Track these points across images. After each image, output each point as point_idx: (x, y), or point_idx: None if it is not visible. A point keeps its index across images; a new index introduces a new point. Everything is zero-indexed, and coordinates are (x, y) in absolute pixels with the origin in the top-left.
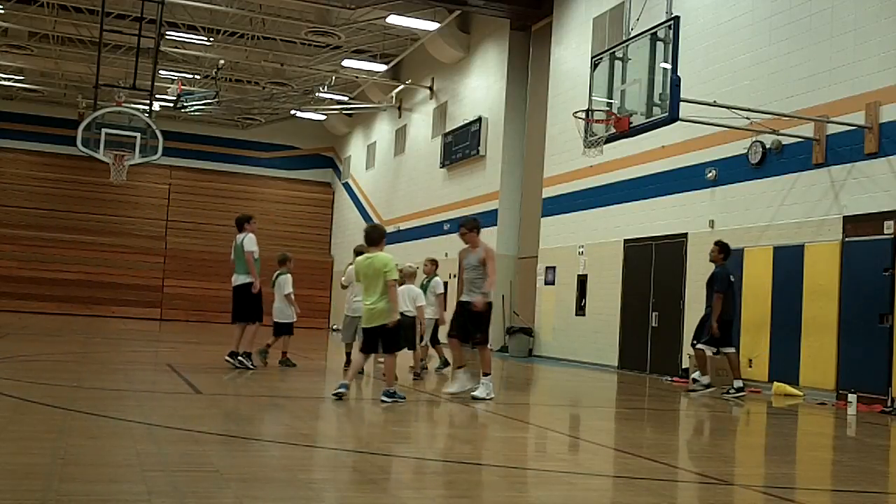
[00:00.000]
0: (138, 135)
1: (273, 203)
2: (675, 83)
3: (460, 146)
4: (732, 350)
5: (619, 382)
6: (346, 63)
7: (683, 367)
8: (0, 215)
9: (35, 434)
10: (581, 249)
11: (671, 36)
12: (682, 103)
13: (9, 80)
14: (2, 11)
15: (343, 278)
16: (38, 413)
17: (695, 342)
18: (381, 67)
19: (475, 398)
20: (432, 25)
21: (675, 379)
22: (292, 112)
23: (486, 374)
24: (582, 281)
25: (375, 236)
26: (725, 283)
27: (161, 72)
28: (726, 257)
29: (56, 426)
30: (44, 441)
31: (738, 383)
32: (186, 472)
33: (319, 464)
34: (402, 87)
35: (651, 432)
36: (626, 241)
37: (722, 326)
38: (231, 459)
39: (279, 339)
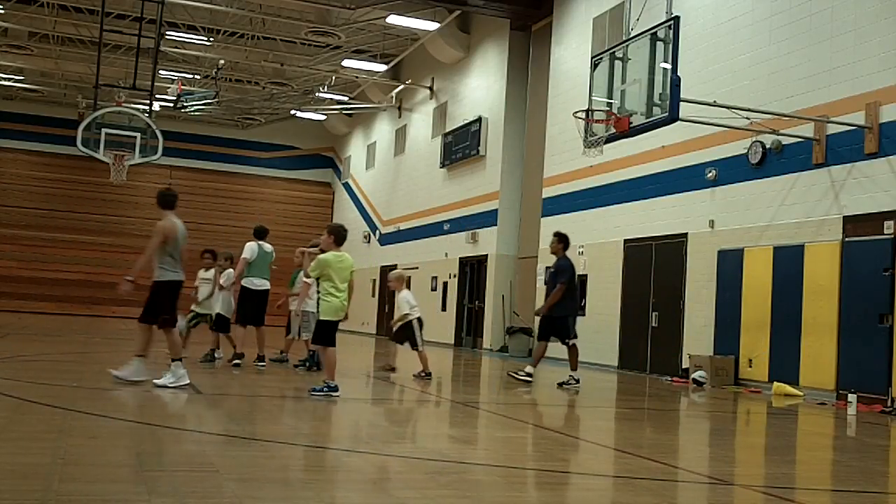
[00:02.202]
0: (138, 135)
1: (273, 203)
2: (675, 83)
3: (460, 146)
4: (574, 342)
5: (619, 382)
6: (346, 63)
7: (684, 367)
8: (0, 215)
9: (35, 434)
10: (581, 249)
11: (671, 36)
12: (682, 103)
13: (9, 80)
14: (2, 11)
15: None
16: (38, 413)
17: (567, 341)
18: (381, 67)
19: (157, 385)
20: (432, 25)
21: (675, 379)
22: (292, 112)
23: (174, 360)
24: (582, 281)
25: (346, 236)
26: (570, 275)
27: (161, 72)
28: (566, 248)
29: (56, 426)
30: (44, 441)
31: (575, 374)
32: (186, 472)
33: (319, 464)
34: (402, 87)
35: (651, 432)
36: (626, 241)
37: (567, 319)
38: (231, 459)
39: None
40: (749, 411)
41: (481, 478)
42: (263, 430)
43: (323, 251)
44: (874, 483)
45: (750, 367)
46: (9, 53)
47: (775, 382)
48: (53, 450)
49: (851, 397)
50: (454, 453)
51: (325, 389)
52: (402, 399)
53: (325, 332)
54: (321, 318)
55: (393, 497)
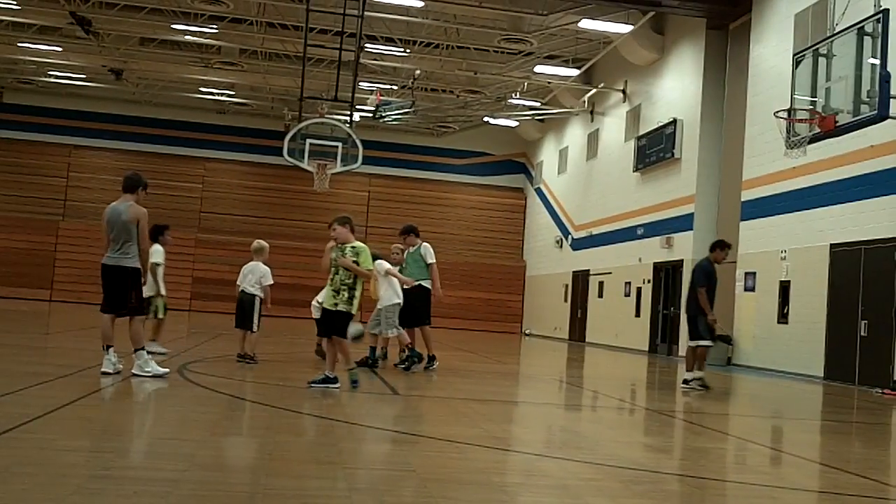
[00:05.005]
0: (340, 144)
1: (467, 209)
2: (885, 79)
3: (654, 149)
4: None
5: (825, 394)
6: (538, 69)
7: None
8: (214, 222)
9: (245, 430)
10: (783, 254)
11: (879, 30)
12: (892, 100)
13: (222, 94)
14: (216, 31)
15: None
16: (248, 410)
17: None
18: (573, 72)
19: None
20: (625, 28)
21: (886, 391)
22: (485, 119)
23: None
24: (784, 287)
25: None
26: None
27: (360, 83)
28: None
29: (264, 423)
30: (253, 437)
31: (700, 373)
32: (385, 470)
33: (512, 467)
34: (594, 91)
35: (860, 447)
36: (831, 245)
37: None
38: (427, 460)
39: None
40: None
41: (677, 488)
42: (458, 433)
43: (341, 243)
44: None
45: None
46: (221, 70)
47: None
48: (261, 445)
49: None
50: (649, 462)
51: (325, 381)
52: (595, 405)
53: (346, 325)
54: (352, 311)
55: None
